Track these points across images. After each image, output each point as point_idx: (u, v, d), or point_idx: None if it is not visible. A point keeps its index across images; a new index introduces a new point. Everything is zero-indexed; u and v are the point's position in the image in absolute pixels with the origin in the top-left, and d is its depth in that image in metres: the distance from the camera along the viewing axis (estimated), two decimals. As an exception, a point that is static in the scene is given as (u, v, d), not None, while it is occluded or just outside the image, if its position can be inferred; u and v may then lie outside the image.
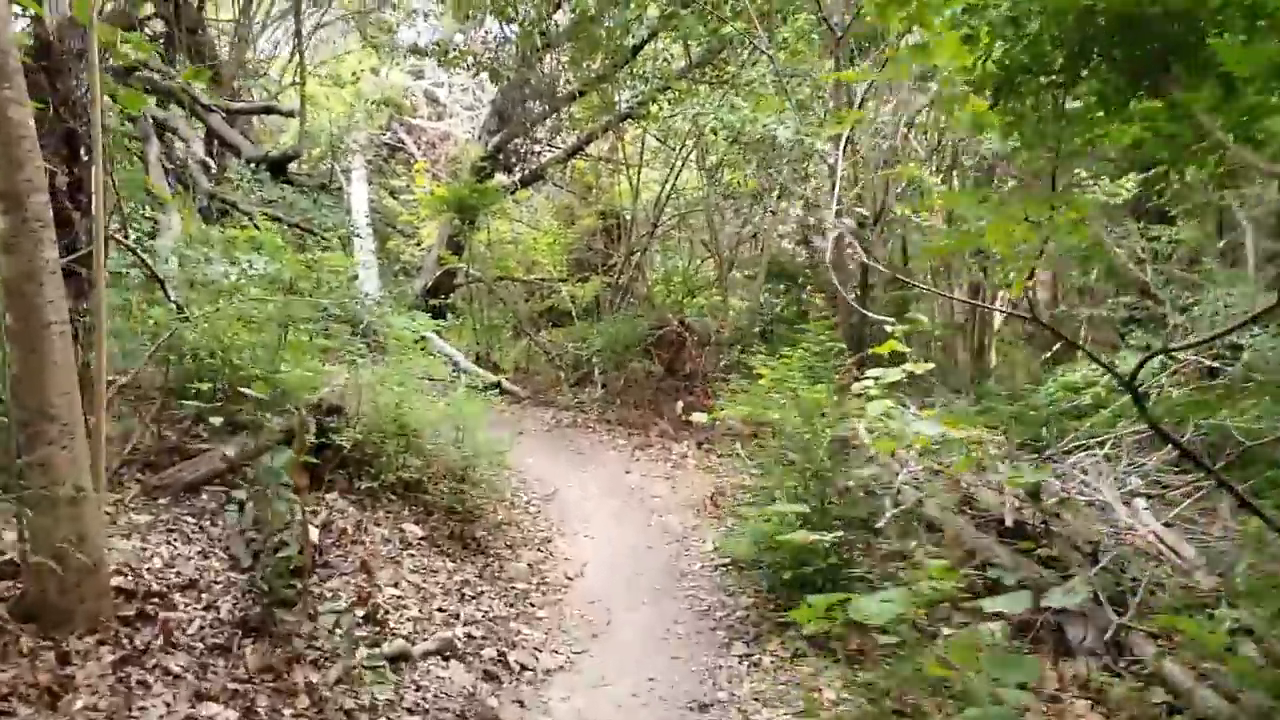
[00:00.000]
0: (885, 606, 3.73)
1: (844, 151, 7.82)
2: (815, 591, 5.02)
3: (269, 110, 9.22)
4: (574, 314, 13.70)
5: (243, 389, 4.72)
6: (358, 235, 14.47)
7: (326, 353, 6.37)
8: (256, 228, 6.23)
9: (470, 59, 12.29)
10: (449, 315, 15.76)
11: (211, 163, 7.70)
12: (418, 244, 16.36)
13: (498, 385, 12.44)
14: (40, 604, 3.23)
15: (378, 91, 16.73)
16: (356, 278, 6.31)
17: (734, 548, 5.45)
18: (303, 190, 8.09)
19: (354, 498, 5.69)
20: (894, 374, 5.54)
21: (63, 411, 3.23)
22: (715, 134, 9.51)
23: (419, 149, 18.44)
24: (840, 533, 4.89)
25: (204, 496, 4.78)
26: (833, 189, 7.92)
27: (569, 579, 5.81)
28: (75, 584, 3.24)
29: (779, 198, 10.47)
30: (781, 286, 13.78)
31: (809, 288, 13.23)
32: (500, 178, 14.39)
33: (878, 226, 9.87)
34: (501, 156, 14.29)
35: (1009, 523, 5.82)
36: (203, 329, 5.02)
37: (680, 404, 9.65)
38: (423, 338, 6.94)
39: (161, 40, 9.37)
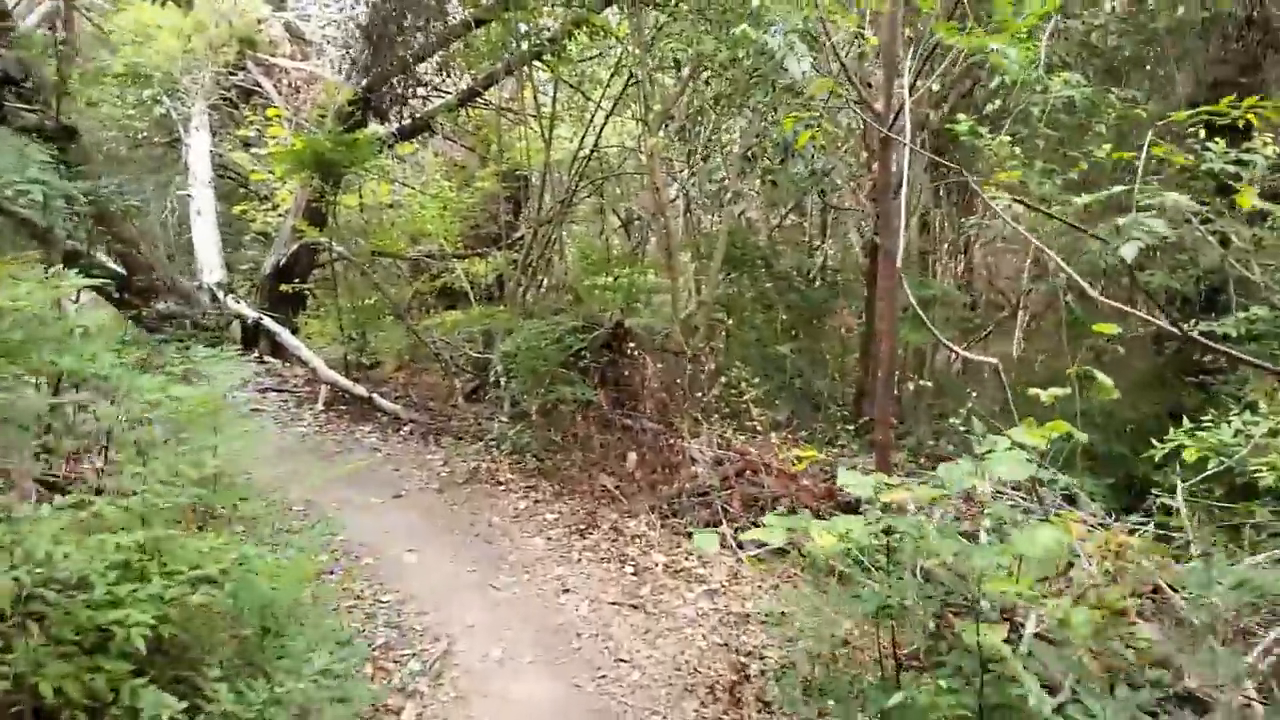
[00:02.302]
0: None
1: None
2: None
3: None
4: (471, 296, 10.65)
5: None
6: (192, 198, 11.36)
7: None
8: None
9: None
10: (306, 303, 12.47)
11: None
12: (273, 208, 12.96)
13: (369, 401, 9.40)
14: None
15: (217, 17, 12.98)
16: (71, 304, 3.12)
17: None
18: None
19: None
20: (1018, 464, 3.09)
21: None
22: (678, 65, 6.58)
23: (280, 94, 14.84)
24: None
25: None
26: (888, 139, 5.22)
27: None
28: None
29: (783, 160, 7.62)
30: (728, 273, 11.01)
31: (769, 275, 10.52)
32: (375, 127, 11.08)
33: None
34: (374, 99, 10.95)
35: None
36: None
37: (632, 457, 6.81)
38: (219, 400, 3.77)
39: None
